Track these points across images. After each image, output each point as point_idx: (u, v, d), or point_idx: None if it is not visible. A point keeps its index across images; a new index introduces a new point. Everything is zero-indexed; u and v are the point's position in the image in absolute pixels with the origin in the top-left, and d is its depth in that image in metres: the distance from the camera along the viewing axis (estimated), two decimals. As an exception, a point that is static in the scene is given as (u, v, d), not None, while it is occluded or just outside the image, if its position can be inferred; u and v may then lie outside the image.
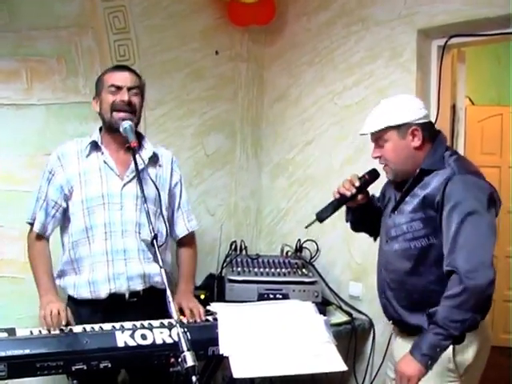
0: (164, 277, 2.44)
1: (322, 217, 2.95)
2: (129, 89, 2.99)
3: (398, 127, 2.69)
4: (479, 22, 3.51)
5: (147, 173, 2.97)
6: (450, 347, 2.52)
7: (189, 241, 3.31)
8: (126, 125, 2.89)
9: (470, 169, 2.67)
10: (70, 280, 3.01)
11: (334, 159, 4.19)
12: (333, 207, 2.93)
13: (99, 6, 3.79)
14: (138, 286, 2.99)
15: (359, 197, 2.93)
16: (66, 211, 3.04)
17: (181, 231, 3.27)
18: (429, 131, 2.75)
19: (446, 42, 3.72)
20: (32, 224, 3.04)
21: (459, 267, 2.45)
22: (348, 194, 2.89)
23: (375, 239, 3.17)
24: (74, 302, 2.99)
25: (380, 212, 3.02)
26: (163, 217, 2.98)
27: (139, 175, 2.82)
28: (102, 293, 2.94)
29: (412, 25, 3.76)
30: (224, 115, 4.48)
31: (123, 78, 3.00)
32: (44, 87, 3.62)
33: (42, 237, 3.04)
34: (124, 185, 2.99)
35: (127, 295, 2.97)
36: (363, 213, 3.05)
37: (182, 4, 4.16)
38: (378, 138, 2.75)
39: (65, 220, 3.07)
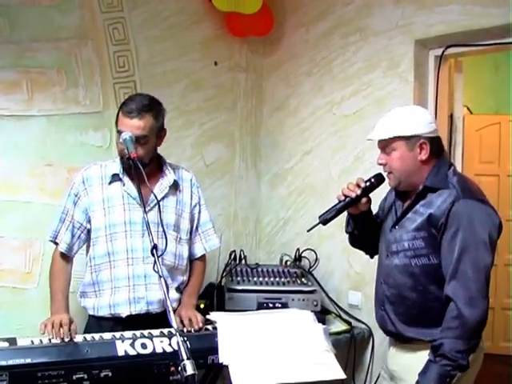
0: (164, 286, 2.46)
1: (325, 219, 2.92)
2: (135, 139, 2.93)
3: (407, 138, 2.69)
4: (476, 32, 3.53)
5: (167, 200, 3.11)
6: None
7: (200, 258, 3.35)
8: (126, 136, 2.89)
9: (475, 192, 2.68)
10: (91, 302, 3.09)
11: (332, 169, 4.21)
12: (336, 210, 2.90)
13: (99, 18, 3.82)
14: (157, 310, 3.07)
15: (363, 200, 2.91)
16: (89, 232, 3.10)
17: (198, 251, 3.31)
18: (436, 147, 2.75)
19: (443, 52, 3.75)
20: (53, 241, 3.09)
21: (458, 297, 2.51)
22: (353, 195, 2.86)
23: (372, 256, 3.20)
24: (95, 318, 3.08)
25: (379, 227, 3.03)
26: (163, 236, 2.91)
27: (139, 187, 2.83)
28: (123, 314, 3.03)
29: (409, 35, 3.78)
30: (223, 125, 4.50)
31: (130, 127, 2.93)
32: (44, 98, 3.65)
33: (66, 256, 3.09)
34: (146, 213, 3.00)
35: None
36: (364, 222, 3.04)
37: (182, 15, 4.19)
38: (386, 145, 2.75)
39: (88, 242, 3.13)
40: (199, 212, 3.30)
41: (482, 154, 6.60)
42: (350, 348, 3.80)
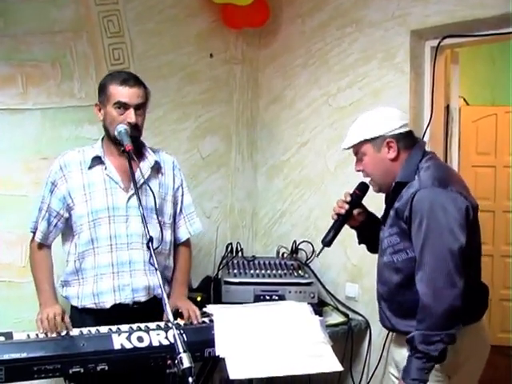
0: (159, 279, 2.45)
1: (327, 241, 3.00)
2: (135, 107, 2.94)
3: (372, 140, 2.72)
4: (472, 23, 3.53)
5: (149, 183, 2.98)
6: None
7: (184, 243, 3.30)
8: (121, 128, 2.87)
9: (439, 180, 2.61)
10: (74, 291, 3.02)
11: (328, 160, 4.21)
12: (334, 229, 2.98)
13: (94, 11, 3.80)
14: (142, 298, 3.01)
15: (355, 211, 2.98)
16: (67, 221, 3.05)
17: (183, 235, 3.27)
18: (405, 141, 2.74)
19: (439, 42, 3.74)
20: (34, 233, 3.05)
21: (422, 290, 2.53)
22: (342, 211, 2.94)
23: None
24: (77, 311, 3.01)
25: None
26: (160, 224, 2.91)
27: (134, 180, 2.82)
28: (107, 304, 2.97)
29: (405, 26, 3.78)
30: (219, 118, 4.49)
31: (130, 96, 2.92)
32: (39, 92, 3.63)
33: (43, 245, 3.05)
34: (129, 197, 2.99)
35: (131, 304, 3.00)
36: (370, 230, 3.06)
37: (177, 8, 4.17)
38: (357, 151, 2.81)
39: (68, 230, 3.07)
40: (182, 195, 3.27)
41: (479, 145, 6.62)
42: (348, 340, 3.81)
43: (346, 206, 2.94)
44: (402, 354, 2.82)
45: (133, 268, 2.99)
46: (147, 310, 2.93)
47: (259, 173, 4.75)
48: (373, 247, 3.15)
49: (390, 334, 3.10)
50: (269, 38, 4.64)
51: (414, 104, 3.80)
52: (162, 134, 4.10)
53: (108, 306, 2.96)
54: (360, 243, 3.21)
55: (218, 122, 4.49)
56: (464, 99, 6.38)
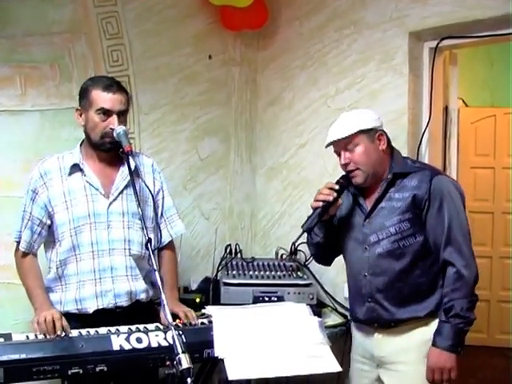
0: (158, 280, 2.45)
1: (309, 227, 2.98)
2: (118, 113, 2.91)
3: (368, 131, 2.86)
4: (470, 24, 3.55)
5: (131, 188, 2.94)
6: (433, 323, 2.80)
7: (168, 246, 3.25)
8: (120, 130, 2.85)
9: (440, 170, 2.99)
10: (56, 296, 2.99)
11: (327, 162, 4.19)
12: (318, 215, 2.95)
13: (92, 12, 3.80)
14: (125, 303, 2.98)
15: (339, 202, 2.99)
16: (50, 227, 3.02)
17: (165, 238, 3.19)
18: (387, 137, 2.94)
19: (438, 44, 3.76)
20: (18, 242, 3.04)
21: (456, 261, 2.76)
22: (330, 198, 2.92)
23: (329, 264, 3.36)
24: None
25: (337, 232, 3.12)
26: (146, 228, 2.81)
27: (133, 180, 2.82)
28: (90, 309, 2.94)
29: (403, 27, 3.79)
30: (218, 119, 4.49)
31: (113, 102, 2.90)
32: (38, 93, 3.63)
33: (28, 254, 3.03)
34: (110, 203, 2.98)
35: (113, 309, 2.97)
36: (329, 228, 3.10)
37: (175, 9, 4.17)
38: (348, 143, 2.86)
39: (49, 237, 3.05)
40: (163, 198, 3.22)
41: (478, 146, 6.63)
42: (346, 341, 3.79)
43: (335, 194, 2.94)
44: (390, 349, 2.90)
45: (115, 274, 2.97)
46: (130, 314, 2.91)
47: (258, 174, 4.75)
48: (321, 250, 3.23)
49: (362, 334, 3.10)
50: (267, 39, 4.64)
51: (412, 105, 3.81)
52: (161, 136, 4.09)
53: (91, 311, 2.93)
54: (314, 243, 3.19)
55: (217, 124, 4.48)
56: (463, 100, 6.39)
